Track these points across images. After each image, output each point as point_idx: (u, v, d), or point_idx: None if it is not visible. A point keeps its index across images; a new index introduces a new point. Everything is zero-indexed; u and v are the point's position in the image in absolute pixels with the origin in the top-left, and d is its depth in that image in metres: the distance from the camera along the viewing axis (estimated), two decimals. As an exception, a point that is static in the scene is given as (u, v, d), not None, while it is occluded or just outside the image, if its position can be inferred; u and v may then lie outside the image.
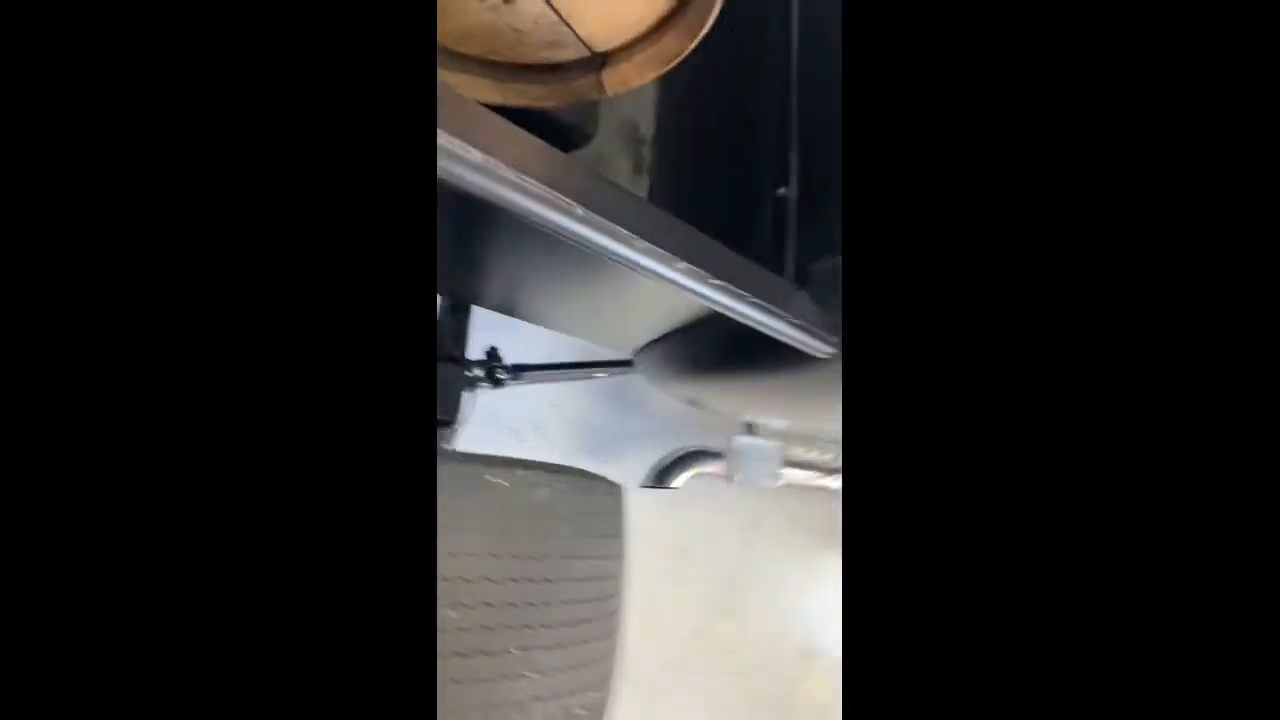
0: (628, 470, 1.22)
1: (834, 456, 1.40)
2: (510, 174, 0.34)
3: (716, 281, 0.44)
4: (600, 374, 1.10)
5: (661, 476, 1.15)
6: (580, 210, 0.36)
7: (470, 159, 0.33)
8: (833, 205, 0.55)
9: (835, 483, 1.38)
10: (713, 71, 0.75)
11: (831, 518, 1.62)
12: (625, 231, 0.38)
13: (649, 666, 1.26)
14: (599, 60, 0.52)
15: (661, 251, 0.41)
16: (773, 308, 0.50)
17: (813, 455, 1.35)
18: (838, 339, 0.55)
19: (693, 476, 1.16)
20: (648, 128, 0.80)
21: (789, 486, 1.40)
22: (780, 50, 0.62)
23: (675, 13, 0.49)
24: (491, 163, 0.34)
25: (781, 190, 0.58)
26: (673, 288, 0.45)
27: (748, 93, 0.67)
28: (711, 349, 0.74)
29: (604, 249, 0.38)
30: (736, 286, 0.47)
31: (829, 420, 0.87)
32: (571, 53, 0.52)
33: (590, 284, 0.58)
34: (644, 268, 0.41)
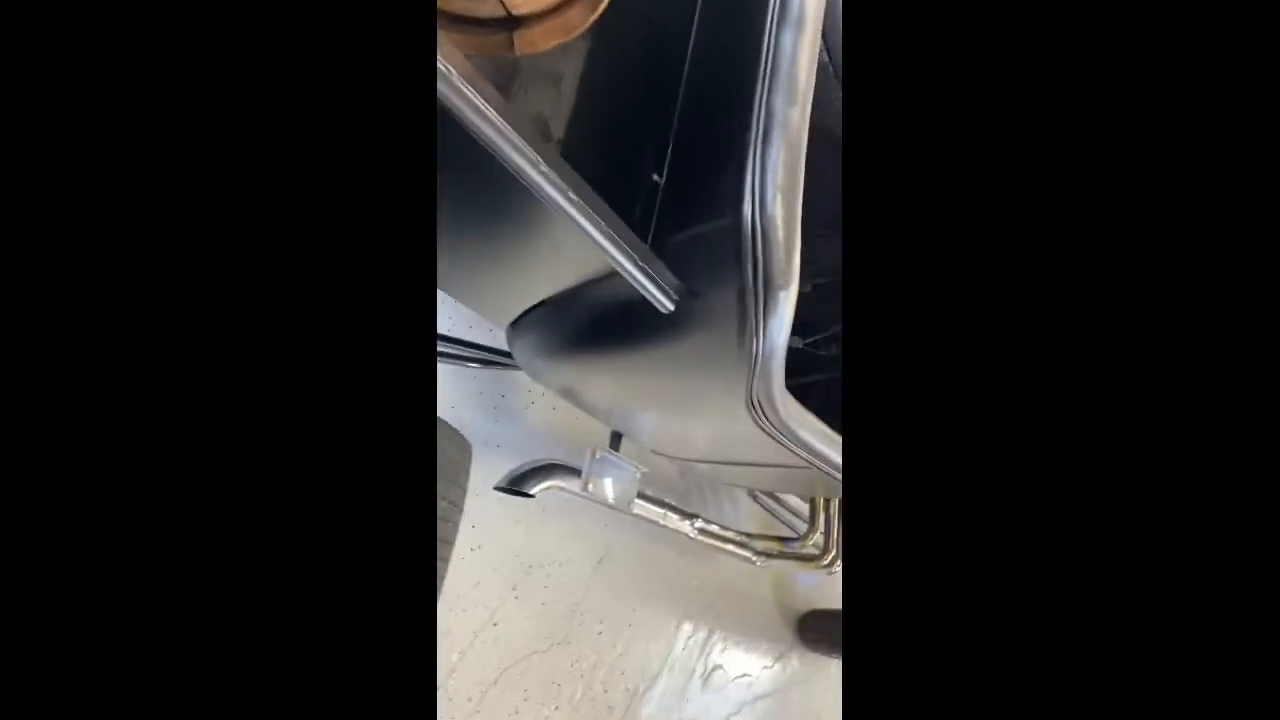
0: (485, 476, 1.22)
1: (691, 506, 1.46)
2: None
3: (575, 198, 0.50)
4: (474, 364, 1.12)
5: (519, 481, 1.16)
6: (455, 76, 0.42)
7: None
8: (689, 190, 0.64)
9: (686, 526, 1.43)
10: (617, 80, 0.86)
11: (680, 570, 1.65)
12: (503, 123, 0.44)
13: (475, 681, 1.22)
14: (513, 22, 0.60)
15: (534, 155, 0.47)
16: (629, 250, 0.57)
17: (672, 500, 1.40)
18: (677, 299, 0.62)
19: (548, 488, 1.17)
20: (558, 128, 0.88)
21: (643, 529, 1.44)
22: (676, 66, 0.73)
23: (582, -11, 0.58)
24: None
25: (656, 177, 0.67)
26: (558, 235, 0.51)
27: (642, 99, 0.77)
28: (580, 325, 0.79)
29: (477, 129, 0.44)
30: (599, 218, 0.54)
31: (683, 413, 0.92)
32: (490, 9, 0.59)
33: (481, 225, 0.63)
34: (514, 165, 0.47)
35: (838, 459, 0.88)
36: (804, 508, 1.82)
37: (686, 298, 0.63)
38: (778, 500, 1.79)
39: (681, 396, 0.83)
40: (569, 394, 1.05)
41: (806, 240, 1.58)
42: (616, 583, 1.46)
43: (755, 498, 1.75)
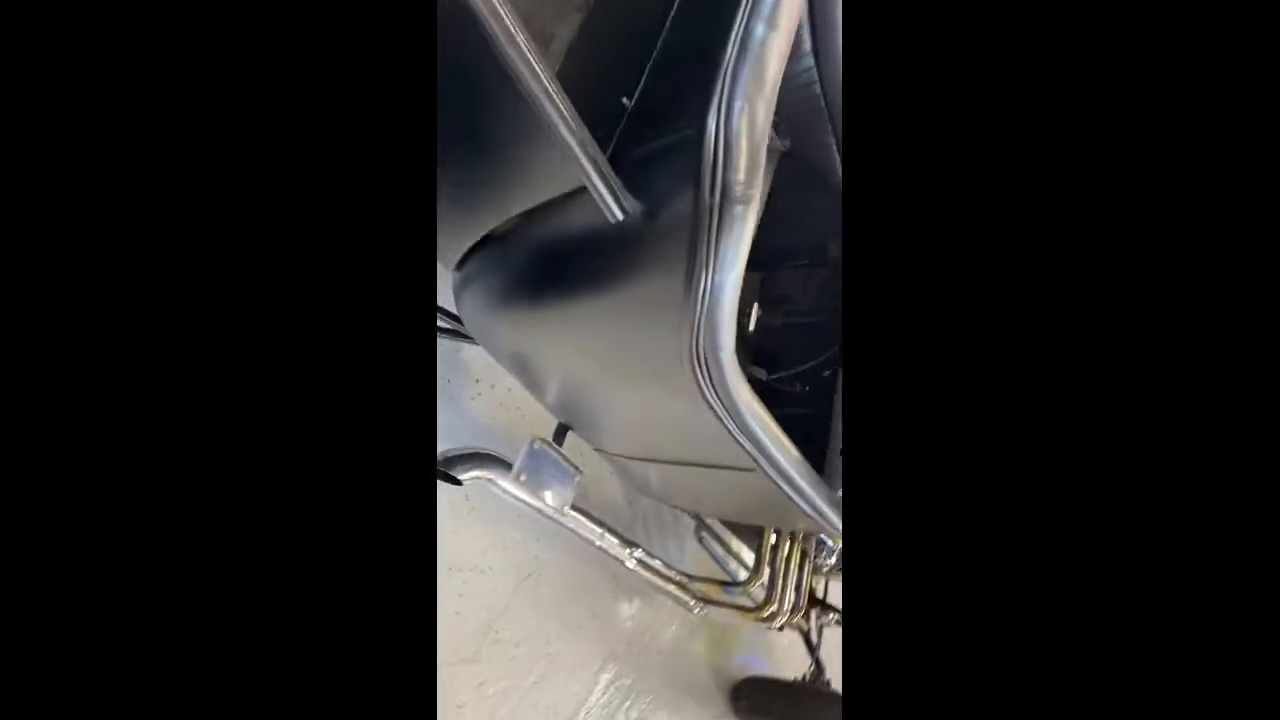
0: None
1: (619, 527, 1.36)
2: None
3: (524, 49, 0.47)
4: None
5: (447, 464, 1.08)
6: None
7: None
8: (655, 108, 0.61)
9: (625, 554, 1.33)
10: (603, 46, 0.85)
11: (613, 607, 1.54)
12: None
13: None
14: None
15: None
16: (584, 142, 0.53)
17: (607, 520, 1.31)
18: (626, 213, 0.58)
19: (478, 478, 1.09)
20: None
21: (577, 552, 1.34)
22: (660, 22, 0.72)
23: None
24: None
25: (625, 100, 0.64)
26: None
27: (626, 62, 0.75)
28: (526, 266, 0.75)
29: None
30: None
31: (625, 383, 0.86)
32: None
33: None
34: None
35: (779, 457, 0.82)
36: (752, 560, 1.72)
37: (639, 218, 0.59)
38: (726, 548, 1.69)
39: (625, 359, 0.77)
40: (518, 364, 0.98)
41: (781, 272, 1.55)
42: (540, 605, 1.35)
43: (701, 540, 1.65)
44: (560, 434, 1.16)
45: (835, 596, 1.66)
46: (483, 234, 0.75)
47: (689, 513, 1.67)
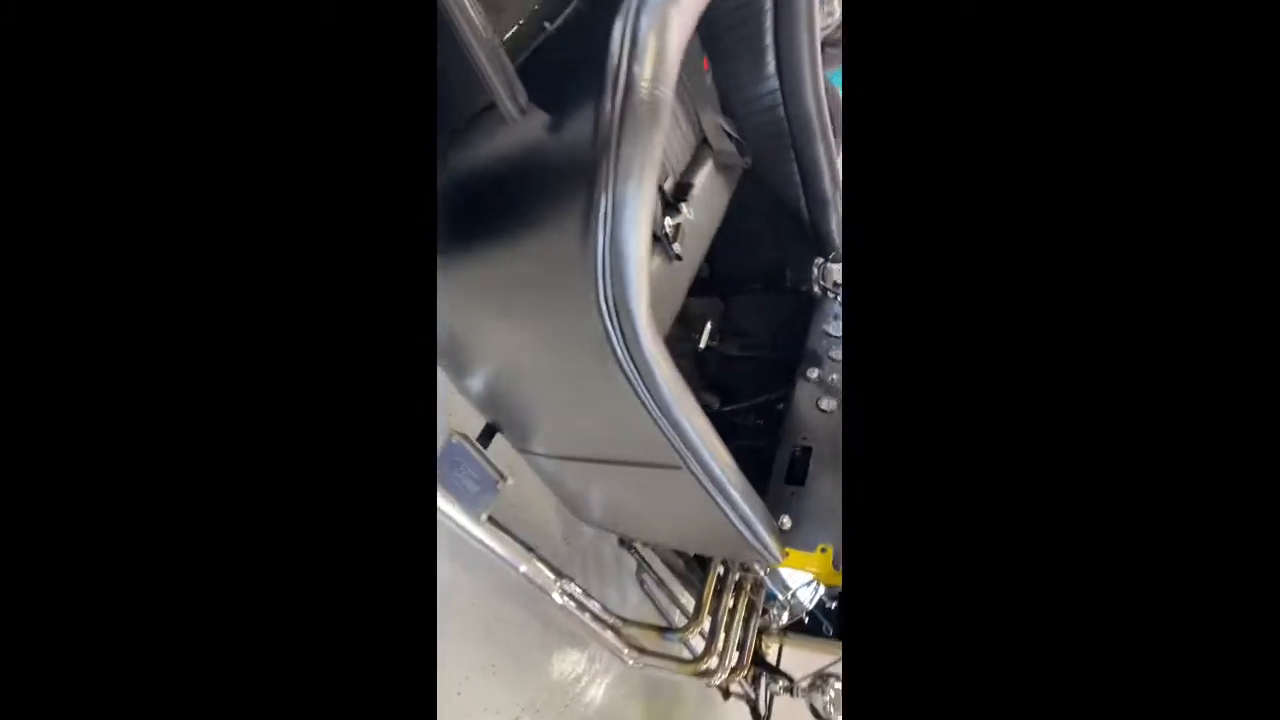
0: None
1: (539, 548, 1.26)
2: None
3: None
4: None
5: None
6: None
7: None
8: (571, 34, 0.59)
9: (554, 586, 1.22)
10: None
11: (540, 651, 1.40)
12: None
13: None
14: None
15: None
16: (485, 34, 0.50)
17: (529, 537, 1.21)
18: (522, 109, 0.54)
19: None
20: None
21: (502, 579, 1.23)
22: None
23: None
24: None
25: (546, 24, 0.62)
26: None
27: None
28: (449, 213, 0.70)
29: None
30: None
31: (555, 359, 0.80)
32: None
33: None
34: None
35: (697, 442, 0.75)
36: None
37: (544, 131, 0.55)
38: (671, 597, 1.57)
39: (537, 314, 0.71)
40: (445, 345, 0.92)
41: (740, 303, 1.52)
42: (454, 636, 1.22)
43: (643, 583, 1.54)
44: (486, 436, 1.08)
45: (787, 662, 1.53)
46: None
47: (630, 549, 1.56)
